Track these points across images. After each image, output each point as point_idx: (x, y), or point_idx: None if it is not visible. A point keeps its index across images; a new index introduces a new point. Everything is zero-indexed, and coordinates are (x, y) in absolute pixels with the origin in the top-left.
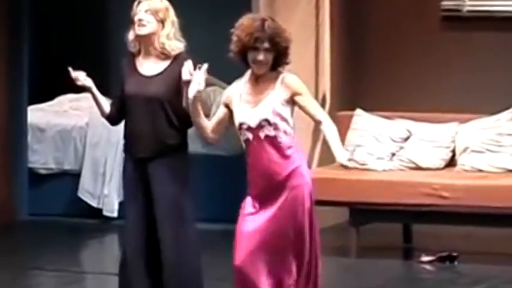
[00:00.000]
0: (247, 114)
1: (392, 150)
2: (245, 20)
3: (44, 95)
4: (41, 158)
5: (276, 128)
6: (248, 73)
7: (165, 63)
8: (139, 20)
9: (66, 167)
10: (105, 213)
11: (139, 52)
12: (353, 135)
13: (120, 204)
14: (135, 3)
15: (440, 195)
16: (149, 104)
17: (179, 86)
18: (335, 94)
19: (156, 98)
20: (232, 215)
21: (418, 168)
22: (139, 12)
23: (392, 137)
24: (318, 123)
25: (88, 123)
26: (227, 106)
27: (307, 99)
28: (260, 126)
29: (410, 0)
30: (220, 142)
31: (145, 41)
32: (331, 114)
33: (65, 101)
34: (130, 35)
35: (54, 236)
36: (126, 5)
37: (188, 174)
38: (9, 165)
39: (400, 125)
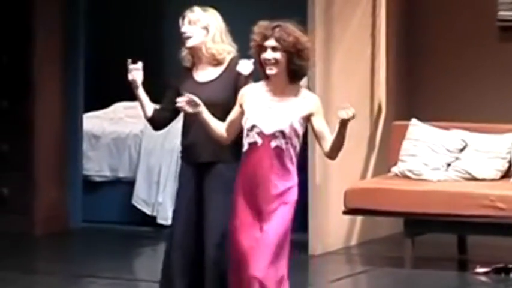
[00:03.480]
0: (262, 120)
1: (448, 160)
2: (261, 24)
3: (100, 103)
4: (96, 165)
5: (288, 142)
6: (265, 81)
7: (220, 69)
8: (183, 33)
9: (121, 174)
10: (159, 221)
11: (194, 64)
12: (408, 145)
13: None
14: (181, 18)
15: (496, 207)
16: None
17: (235, 91)
18: (391, 104)
19: (212, 103)
20: None
21: (474, 179)
22: (183, 26)
23: (448, 148)
24: (327, 142)
25: (143, 131)
26: (241, 106)
27: (322, 122)
28: (273, 136)
29: (466, 11)
30: None
31: (195, 51)
32: (387, 123)
33: (120, 108)
34: (183, 51)
35: (108, 244)
36: (182, 10)
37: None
38: (63, 172)
39: (455, 136)
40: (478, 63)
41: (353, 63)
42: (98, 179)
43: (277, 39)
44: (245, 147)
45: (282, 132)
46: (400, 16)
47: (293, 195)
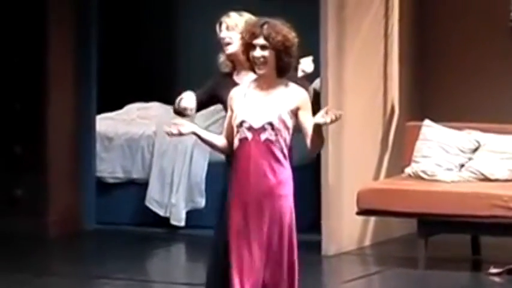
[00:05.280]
0: (250, 114)
1: (461, 161)
2: (249, 21)
3: (113, 104)
4: (109, 166)
5: (277, 134)
6: (254, 77)
7: None
8: (222, 39)
9: (134, 175)
10: (172, 222)
11: (234, 68)
12: (421, 145)
13: (188, 213)
14: (217, 24)
15: (509, 207)
16: None
17: None
18: (404, 104)
19: None
20: (298, 226)
21: (487, 179)
22: (221, 32)
23: (461, 148)
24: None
25: (156, 132)
26: (231, 108)
27: (308, 116)
28: (263, 129)
29: (479, 10)
30: None
31: (236, 56)
32: (400, 124)
33: (133, 109)
34: (221, 57)
35: (121, 245)
36: (194, 12)
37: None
38: (77, 174)
39: (468, 136)
40: (491, 63)
41: (366, 64)
42: (111, 181)
43: (266, 38)
44: (236, 144)
45: (271, 125)
46: (413, 17)
47: (288, 188)
